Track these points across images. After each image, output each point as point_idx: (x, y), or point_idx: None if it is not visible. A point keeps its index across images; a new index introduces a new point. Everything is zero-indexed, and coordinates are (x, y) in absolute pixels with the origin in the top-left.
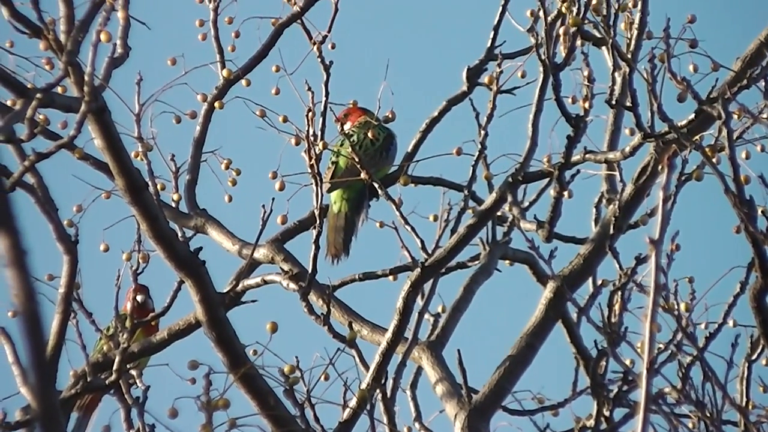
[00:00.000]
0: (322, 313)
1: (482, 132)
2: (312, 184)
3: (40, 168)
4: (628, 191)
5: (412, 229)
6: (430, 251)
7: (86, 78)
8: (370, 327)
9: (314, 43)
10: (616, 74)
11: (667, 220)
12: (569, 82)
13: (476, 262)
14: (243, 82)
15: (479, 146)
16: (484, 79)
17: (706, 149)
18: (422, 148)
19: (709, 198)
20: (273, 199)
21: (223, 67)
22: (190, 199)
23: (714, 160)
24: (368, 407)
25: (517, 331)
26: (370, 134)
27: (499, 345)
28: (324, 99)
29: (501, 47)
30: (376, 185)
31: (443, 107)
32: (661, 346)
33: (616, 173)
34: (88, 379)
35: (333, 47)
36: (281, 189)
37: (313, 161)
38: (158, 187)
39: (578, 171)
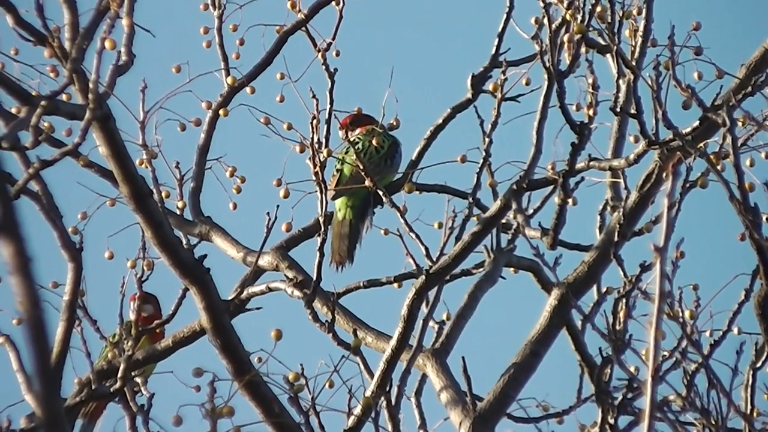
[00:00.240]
0: (326, 321)
1: (487, 139)
2: (316, 191)
3: (45, 175)
4: (633, 198)
5: (417, 236)
6: (434, 259)
7: (91, 85)
8: (374, 334)
9: (319, 51)
10: (621, 81)
11: (672, 227)
12: (574, 89)
13: (481, 269)
14: (247, 89)
15: (484, 153)
16: (489, 86)
17: (711, 156)
18: (427, 155)
19: (714, 205)
20: (277, 206)
21: (228, 74)
22: (195, 207)
23: (719, 167)
24: (373, 415)
25: (522, 338)
26: (374, 141)
27: (504, 352)
28: (328, 106)
29: (505, 54)
30: (381, 193)
31: (448, 114)
32: (666, 353)
33: (621, 180)
34: (93, 387)
35: (337, 55)
36: (286, 196)
37: (317, 168)
38: (163, 194)
39: (583, 178)
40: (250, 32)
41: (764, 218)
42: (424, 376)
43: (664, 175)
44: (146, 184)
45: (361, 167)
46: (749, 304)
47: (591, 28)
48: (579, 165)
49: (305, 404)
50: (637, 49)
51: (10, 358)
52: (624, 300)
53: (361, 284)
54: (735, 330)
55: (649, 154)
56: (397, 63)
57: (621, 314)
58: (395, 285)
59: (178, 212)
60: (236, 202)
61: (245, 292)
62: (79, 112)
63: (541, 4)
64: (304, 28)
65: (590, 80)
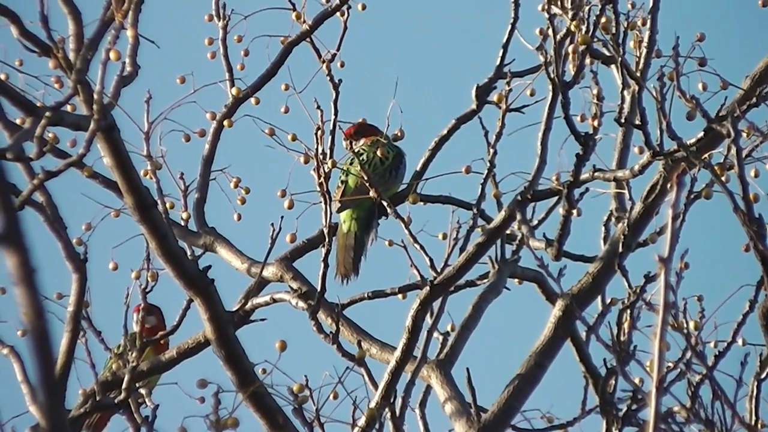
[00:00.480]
0: (331, 332)
1: (491, 150)
2: (321, 202)
3: (49, 186)
4: (637, 209)
5: (421, 247)
6: (439, 270)
7: (95, 96)
8: (379, 345)
9: (323, 62)
10: (625, 92)
11: (676, 238)
12: (578, 100)
13: (485, 280)
14: (252, 100)
15: (488, 164)
16: (493, 97)
17: (715, 167)
18: (431, 166)
19: (718, 216)
20: (282, 217)
21: (232, 85)
22: (199, 218)
23: (723, 178)
24: (377, 426)
25: (526, 349)
26: (379, 152)
27: (508, 364)
28: (333, 117)
29: (510, 65)
30: (385, 204)
31: (452, 125)
32: (671, 364)
33: (625, 191)
34: (97, 398)
35: (342, 65)
36: (290, 207)
37: (322, 179)
38: (167, 205)
39: (587, 189)
40: (255, 43)
41: None
42: (428, 388)
43: (669, 186)
44: (151, 195)
45: (366, 178)
46: (754, 315)
47: (595, 39)
48: (583, 176)
49: (309, 415)
50: (642, 60)
51: (15, 369)
52: (628, 311)
53: (366, 295)
54: (740, 341)
55: (654, 164)
56: (402, 74)
57: (625, 325)
58: (400, 296)
59: (182, 223)
60: (241, 212)
61: (249, 303)
62: (83, 122)
63: (546, 15)
64: (308, 39)
65: (595, 91)
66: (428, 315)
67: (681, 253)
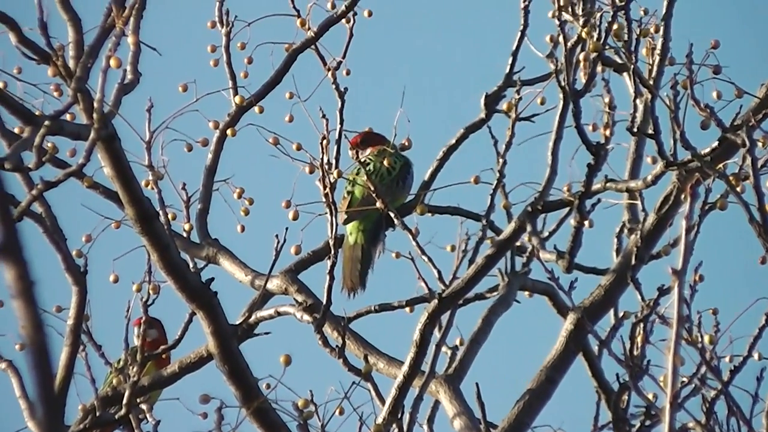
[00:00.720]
0: (336, 346)
1: (501, 160)
2: (326, 213)
3: (48, 197)
4: (651, 221)
5: (429, 259)
6: (447, 282)
7: (96, 105)
8: (386, 360)
9: (328, 69)
10: (638, 101)
11: (690, 250)
12: (590, 109)
13: (495, 293)
14: (256, 108)
15: (498, 174)
16: (503, 105)
17: (730, 178)
18: (439, 176)
19: (734, 228)
20: (287, 228)
21: (236, 93)
22: (202, 229)
23: (738, 188)
24: None
25: (537, 364)
26: (386, 162)
27: (519, 378)
28: (339, 126)
29: (520, 73)
30: (392, 215)
31: (461, 135)
32: (685, 379)
33: (638, 202)
34: (98, 414)
35: (348, 73)
36: (295, 218)
37: (327, 190)
38: (169, 216)
39: (599, 200)
40: (259, 50)
41: None
42: (436, 403)
43: (683, 196)
44: (152, 206)
45: (373, 189)
46: None
47: (607, 47)
48: (595, 186)
49: None
50: (655, 68)
51: (13, 384)
52: (641, 325)
53: (373, 308)
54: (755, 356)
55: (667, 175)
56: (409, 82)
57: (638, 339)
58: (407, 309)
59: (184, 235)
60: (244, 224)
61: (253, 317)
62: (83, 132)
63: (557, 22)
64: (313, 47)
65: (606, 100)
66: (436, 329)
67: (695, 266)
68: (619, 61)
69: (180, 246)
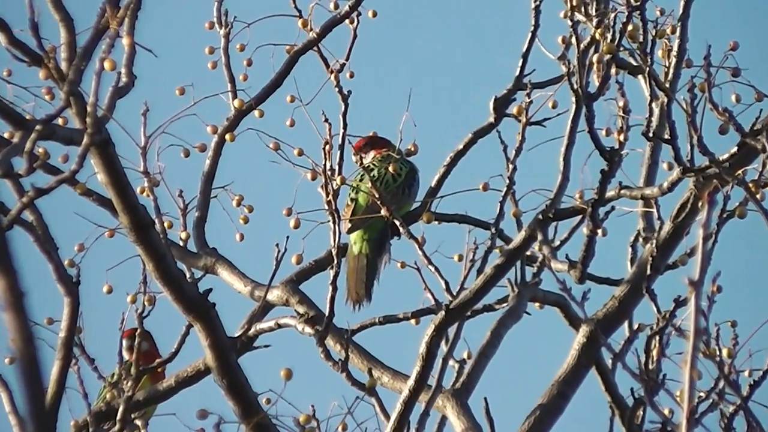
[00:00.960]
0: (339, 359)
1: (510, 166)
2: (329, 221)
3: (40, 204)
4: (666, 229)
5: (436, 269)
6: (454, 293)
7: (89, 109)
8: (391, 374)
9: (331, 72)
10: (654, 105)
11: (708, 260)
12: (603, 113)
13: (504, 304)
14: (256, 112)
15: (507, 181)
16: (513, 109)
17: (750, 185)
18: (446, 183)
19: (753, 236)
20: (287, 237)
21: (235, 97)
22: (200, 238)
23: (758, 196)
24: None
25: (548, 378)
26: (391, 168)
27: (529, 393)
28: (342, 131)
29: (530, 76)
30: (398, 223)
31: (469, 139)
32: (702, 394)
33: (654, 210)
34: (90, 430)
35: (351, 76)
36: (296, 227)
37: (330, 197)
38: (165, 224)
39: (613, 208)
40: (259, 52)
41: None
42: (443, 419)
43: (700, 204)
44: (148, 214)
45: (377, 196)
46: None
47: (622, 48)
48: (609, 193)
49: None
50: (671, 71)
51: (2, 399)
52: (657, 337)
53: (377, 320)
54: None
55: (684, 182)
56: (415, 85)
57: (654, 352)
58: (413, 321)
59: (181, 244)
60: (243, 232)
61: (253, 329)
62: (76, 137)
63: (569, 23)
64: (315, 48)
65: (621, 103)
66: (443, 341)
67: (713, 276)
68: (634, 64)
69: (176, 255)
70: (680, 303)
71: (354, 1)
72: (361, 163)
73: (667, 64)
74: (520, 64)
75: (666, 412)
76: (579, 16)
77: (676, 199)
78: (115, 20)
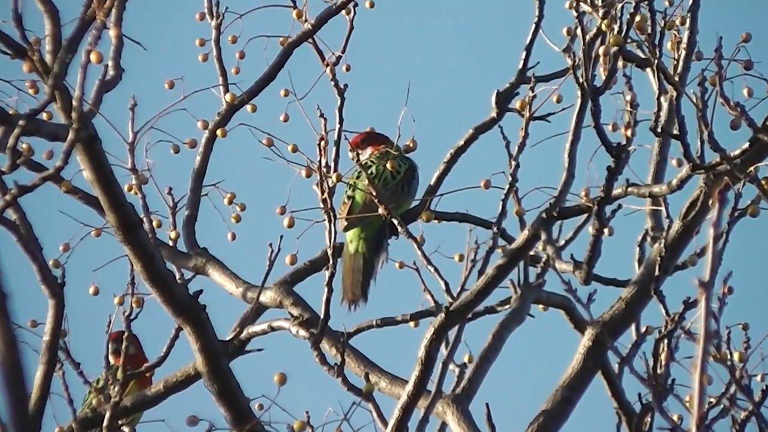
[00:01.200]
0: (335, 363)
1: (513, 163)
2: (324, 220)
3: (23, 203)
4: (676, 228)
5: (436, 270)
6: (455, 295)
7: (74, 103)
8: (388, 378)
9: (327, 65)
10: (662, 99)
11: (719, 260)
12: (610, 107)
13: (507, 306)
14: (248, 107)
15: (510, 178)
16: (516, 104)
17: (762, 182)
18: (446, 180)
19: (766, 236)
20: (281, 237)
21: (227, 91)
22: (190, 237)
23: None
24: None
25: (552, 383)
26: (389, 165)
27: (532, 399)
28: (338, 126)
29: (534, 69)
30: (396, 222)
31: (470, 135)
32: (713, 400)
33: (662, 209)
34: None
35: (348, 69)
36: (290, 226)
37: (325, 195)
38: (154, 224)
39: (620, 206)
40: (252, 44)
41: None
42: (443, 425)
43: (711, 202)
44: (136, 213)
45: (375, 194)
46: None
47: (629, 40)
48: (616, 191)
49: None
50: (681, 63)
51: None
52: (666, 341)
53: (374, 323)
54: None
55: (694, 179)
56: (414, 78)
57: (662, 356)
58: (412, 324)
59: (170, 243)
60: (235, 232)
61: (245, 332)
62: (61, 132)
63: (574, 14)
64: (310, 40)
65: (628, 97)
66: (443, 345)
67: (724, 277)
68: (642, 56)
69: (166, 256)
70: (690, 305)
71: None
72: (358, 160)
73: (676, 57)
74: (523, 56)
75: (675, 418)
76: (585, 7)
77: (686, 197)
78: (101, 11)
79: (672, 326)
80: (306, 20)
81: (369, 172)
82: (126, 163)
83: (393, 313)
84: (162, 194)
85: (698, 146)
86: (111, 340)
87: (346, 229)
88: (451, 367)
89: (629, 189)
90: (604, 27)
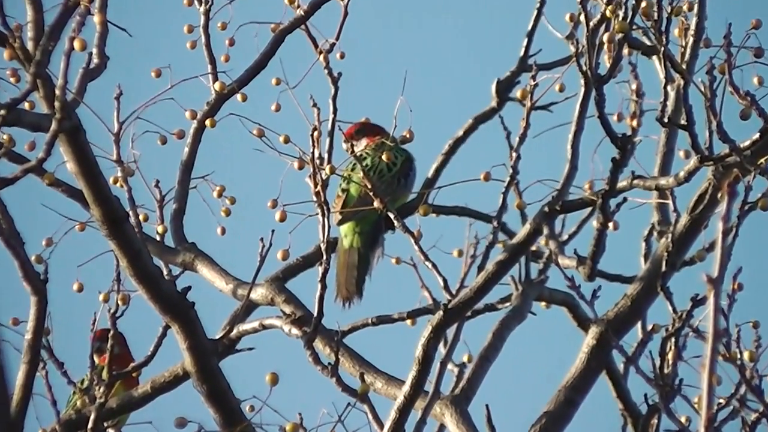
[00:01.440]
0: (329, 363)
1: (514, 154)
2: (318, 214)
3: (4, 195)
4: (683, 222)
5: (434, 266)
6: (453, 291)
7: (57, 92)
8: (384, 379)
9: (320, 52)
10: (669, 88)
11: (728, 255)
12: (614, 96)
13: (507, 304)
14: (238, 96)
15: (510, 171)
16: (517, 93)
17: None
18: (445, 172)
19: None
20: (273, 231)
21: (216, 79)
22: (178, 232)
23: None
24: None
25: (555, 383)
26: (385, 157)
27: (534, 400)
28: (332, 116)
29: (536, 57)
30: (392, 216)
31: (469, 126)
32: (722, 400)
33: (669, 202)
34: None
35: (342, 57)
36: (282, 220)
37: (318, 188)
38: (140, 217)
39: (625, 199)
40: (242, 31)
41: None
42: (441, 427)
43: (719, 195)
44: (121, 206)
45: (370, 187)
46: None
47: (635, 27)
48: (621, 184)
49: None
50: (688, 51)
51: None
52: (673, 339)
53: (370, 321)
54: None
55: (702, 171)
56: (411, 66)
57: (669, 356)
58: (409, 322)
59: (158, 238)
60: (225, 226)
61: (235, 330)
62: (43, 122)
63: None
64: (303, 27)
65: (634, 86)
66: (441, 344)
67: (733, 273)
68: (648, 43)
69: (153, 251)
70: (698, 302)
71: None
72: (353, 152)
73: (683, 44)
74: (524, 43)
75: (683, 419)
76: None
77: (694, 190)
78: None
79: (680, 324)
80: (298, 6)
81: (364, 164)
82: (111, 154)
83: (389, 311)
84: (149, 187)
85: (706, 137)
86: (95, 339)
87: (341, 223)
88: (449, 366)
89: (635, 181)
90: (608, 13)
